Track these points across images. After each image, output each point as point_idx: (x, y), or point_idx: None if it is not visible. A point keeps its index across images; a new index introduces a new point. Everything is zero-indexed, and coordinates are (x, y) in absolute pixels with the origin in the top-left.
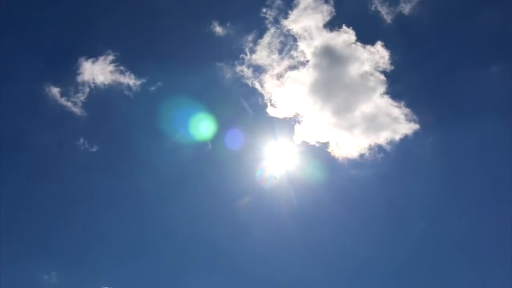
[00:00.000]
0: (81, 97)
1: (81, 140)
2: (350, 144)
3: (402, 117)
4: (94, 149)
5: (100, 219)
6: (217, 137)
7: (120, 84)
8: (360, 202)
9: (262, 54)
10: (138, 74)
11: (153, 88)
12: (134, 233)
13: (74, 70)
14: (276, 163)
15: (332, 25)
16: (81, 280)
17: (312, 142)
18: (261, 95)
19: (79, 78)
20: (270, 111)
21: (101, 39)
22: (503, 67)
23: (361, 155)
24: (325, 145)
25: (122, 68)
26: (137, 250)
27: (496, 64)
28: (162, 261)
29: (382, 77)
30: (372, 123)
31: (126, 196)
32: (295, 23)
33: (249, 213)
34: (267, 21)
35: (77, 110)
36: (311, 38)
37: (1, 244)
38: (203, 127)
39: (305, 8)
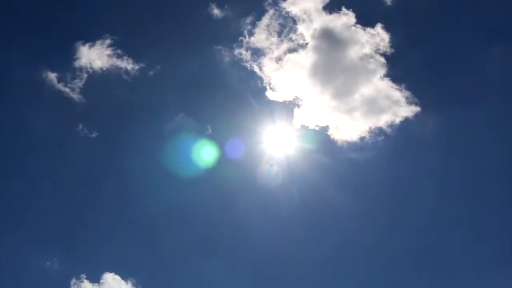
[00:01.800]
0: (79, 82)
1: (80, 126)
2: (350, 127)
3: (403, 99)
4: (93, 135)
5: (100, 205)
6: (215, 121)
7: (118, 68)
8: (360, 185)
9: (260, 36)
10: (136, 58)
11: (151, 72)
12: (136, 219)
13: (71, 55)
14: (275, 147)
15: (331, 7)
16: (83, 266)
17: (312, 125)
18: (260, 79)
19: (77, 63)
20: (269, 94)
21: (98, 23)
22: (505, 48)
23: (362, 138)
24: (325, 128)
25: (119, 52)
26: (140, 236)
27: (498, 45)
28: (165, 247)
29: (382, 59)
30: (372, 106)
31: (127, 181)
32: (294, 5)
33: (248, 199)
34: (265, 3)
35: (75, 96)
36: (310, 21)
37: (2, 232)
38: (201, 110)
39: None
